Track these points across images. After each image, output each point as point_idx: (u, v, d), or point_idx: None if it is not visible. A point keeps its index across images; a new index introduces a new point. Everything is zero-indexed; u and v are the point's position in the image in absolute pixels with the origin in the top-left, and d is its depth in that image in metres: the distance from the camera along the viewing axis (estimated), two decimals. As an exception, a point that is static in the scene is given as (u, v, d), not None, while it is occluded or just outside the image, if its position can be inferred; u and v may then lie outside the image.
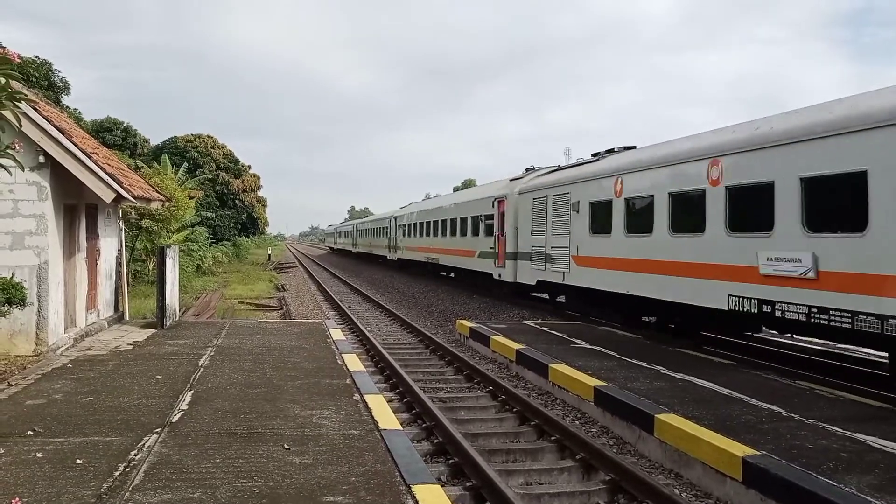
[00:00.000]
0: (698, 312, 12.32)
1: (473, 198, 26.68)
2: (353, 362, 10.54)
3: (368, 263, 54.35)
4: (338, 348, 11.77)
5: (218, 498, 5.10)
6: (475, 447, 7.55)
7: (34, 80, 32.97)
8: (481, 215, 24.64)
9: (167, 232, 26.35)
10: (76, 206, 12.38)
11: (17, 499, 4.79)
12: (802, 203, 9.87)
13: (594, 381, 9.52)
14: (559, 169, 20.06)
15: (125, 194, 11.82)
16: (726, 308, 11.24)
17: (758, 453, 6.38)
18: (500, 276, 22.40)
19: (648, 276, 13.55)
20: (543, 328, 15.24)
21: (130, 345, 11.77)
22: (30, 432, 6.60)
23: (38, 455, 5.95)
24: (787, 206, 10.11)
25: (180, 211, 26.63)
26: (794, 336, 13.69)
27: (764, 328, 12.90)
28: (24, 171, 10.38)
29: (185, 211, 27.62)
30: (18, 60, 5.52)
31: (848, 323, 9.02)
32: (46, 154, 10.68)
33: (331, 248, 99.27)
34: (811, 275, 9.60)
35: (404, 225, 40.23)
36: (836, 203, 9.59)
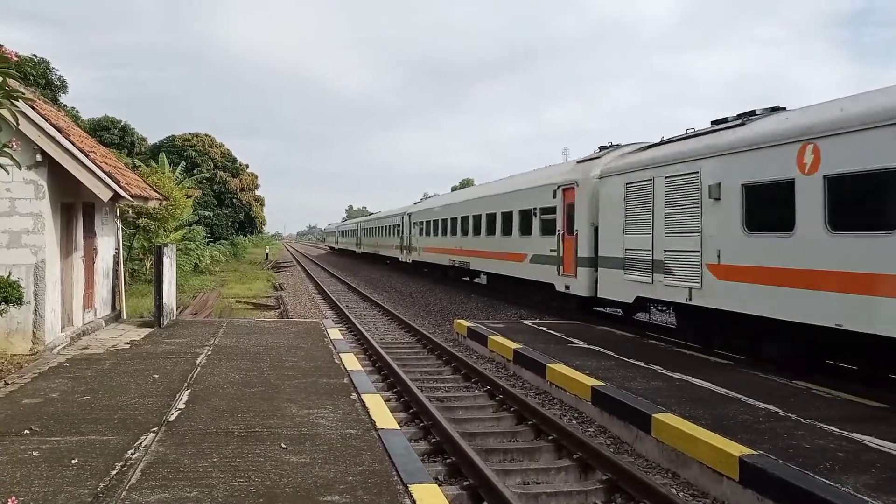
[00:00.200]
0: None
1: (523, 187, 20.99)
2: (351, 361, 10.53)
3: (372, 264, 54.10)
4: (335, 347, 11.77)
5: (215, 497, 5.09)
6: (472, 446, 7.55)
7: (31, 78, 32.92)
8: (535, 209, 19.43)
9: (164, 231, 26.33)
10: (73, 205, 12.35)
11: (14, 498, 4.78)
12: None
13: (592, 381, 9.52)
14: (663, 143, 14.24)
15: (122, 193, 11.80)
16: None
17: (755, 453, 6.39)
18: (567, 287, 17.13)
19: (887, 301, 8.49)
20: (541, 328, 15.24)
21: (127, 344, 11.75)
22: (26, 431, 6.58)
23: (35, 454, 5.94)
24: None
25: (178, 210, 26.60)
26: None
27: None
28: (21, 169, 10.33)
29: (182, 210, 27.59)
30: (16, 59, 5.50)
31: None
32: (44, 152, 10.66)
33: (331, 249, 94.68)
34: None
35: (421, 222, 35.17)
36: None
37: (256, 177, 71.49)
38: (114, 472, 5.54)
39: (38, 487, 5.19)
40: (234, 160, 67.40)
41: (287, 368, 9.90)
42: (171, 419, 7.13)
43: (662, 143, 14.29)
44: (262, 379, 9.16)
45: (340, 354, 11.08)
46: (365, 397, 8.24)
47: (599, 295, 15.71)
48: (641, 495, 6.42)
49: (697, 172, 12.18)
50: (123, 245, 18.14)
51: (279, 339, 12.68)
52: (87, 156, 11.05)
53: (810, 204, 9.66)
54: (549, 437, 8.25)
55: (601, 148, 17.52)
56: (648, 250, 13.47)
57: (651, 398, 8.55)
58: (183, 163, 43.27)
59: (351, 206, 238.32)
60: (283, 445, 6.33)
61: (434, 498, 5.27)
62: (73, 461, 5.78)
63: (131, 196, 12.78)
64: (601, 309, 18.07)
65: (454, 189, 71.99)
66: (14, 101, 5.59)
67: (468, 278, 30.04)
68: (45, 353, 10.60)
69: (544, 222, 18.81)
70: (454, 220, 28.63)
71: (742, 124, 11.72)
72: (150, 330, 13.40)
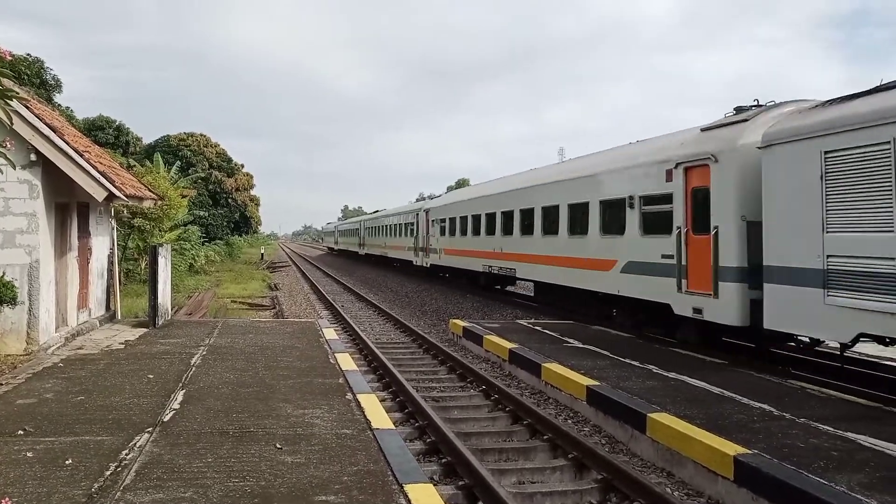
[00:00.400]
0: None
1: (608, 168, 15.40)
2: (346, 361, 10.53)
3: (373, 266, 53.96)
4: (330, 347, 11.76)
5: (210, 497, 5.08)
6: (468, 446, 7.55)
7: (26, 77, 32.84)
8: (630, 198, 13.95)
9: (159, 231, 26.26)
10: (68, 205, 12.32)
11: (7, 499, 4.76)
12: None
13: (587, 381, 9.53)
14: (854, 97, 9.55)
15: (117, 193, 11.78)
16: None
17: (749, 452, 6.40)
18: (698, 311, 11.83)
19: None
20: (536, 327, 15.25)
21: (122, 344, 11.73)
22: (20, 432, 6.56)
23: (29, 455, 5.92)
24: None
25: (173, 210, 26.56)
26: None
27: None
28: (15, 169, 10.34)
29: (177, 210, 27.54)
30: (10, 58, 5.49)
31: None
32: (38, 152, 10.64)
33: (330, 249, 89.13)
34: None
35: (443, 219, 29.81)
36: None
37: (252, 177, 71.47)
38: (108, 473, 5.52)
39: (32, 488, 5.17)
40: (230, 160, 67.36)
41: (282, 368, 9.89)
42: (165, 419, 7.12)
43: (854, 96, 9.56)
44: (257, 379, 9.15)
45: (336, 354, 11.07)
46: (360, 397, 8.23)
47: (771, 326, 10.17)
48: (636, 495, 6.43)
49: None
50: (118, 245, 18.09)
51: (274, 339, 12.66)
52: (81, 155, 11.03)
53: None
54: (545, 437, 8.26)
55: (738, 109, 12.19)
56: (891, 258, 8.41)
57: (646, 398, 8.56)
58: (178, 162, 43.12)
59: (347, 206, 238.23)
60: (279, 445, 6.32)
61: (429, 498, 5.27)
62: (67, 462, 5.77)
63: (126, 196, 12.75)
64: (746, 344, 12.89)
65: (450, 189, 70.33)
66: (8, 101, 5.58)
67: (499, 286, 26.30)
68: (40, 353, 10.57)
69: (647, 217, 13.53)
70: (491, 215, 23.21)
71: None
72: (145, 330, 13.37)
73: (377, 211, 55.64)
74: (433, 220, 31.70)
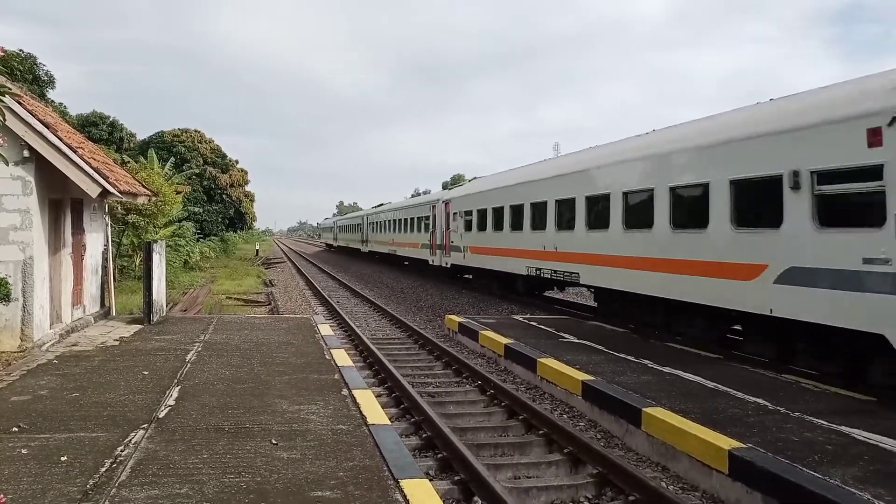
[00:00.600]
0: None
1: (747, 132, 10.87)
2: (342, 357, 10.52)
3: (372, 263, 53.83)
4: (326, 343, 11.75)
5: (205, 493, 5.08)
6: (463, 441, 7.56)
7: (18, 73, 32.68)
8: (796, 174, 9.68)
9: (154, 227, 26.20)
10: (61, 201, 12.27)
11: (2, 496, 4.74)
12: None
13: (582, 376, 9.55)
14: None
15: (111, 189, 11.73)
16: None
17: (744, 446, 6.43)
18: None
19: None
20: (532, 323, 15.27)
21: (117, 340, 11.70)
22: (14, 429, 6.54)
23: (23, 451, 5.91)
24: None
25: (167, 206, 26.47)
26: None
27: None
28: (8, 165, 10.30)
29: (171, 206, 27.46)
30: (2, 54, 5.46)
31: None
32: (31, 148, 10.58)
33: (328, 246, 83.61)
34: None
35: (470, 211, 24.60)
36: None
37: (246, 172, 71.29)
38: (103, 469, 5.51)
39: (27, 485, 5.16)
40: (224, 156, 67.18)
41: (277, 364, 9.88)
42: (160, 416, 7.11)
43: None
44: (252, 375, 9.14)
45: (331, 350, 11.07)
46: (356, 393, 8.23)
47: None
48: (631, 489, 6.45)
49: None
50: (112, 241, 18.04)
51: (269, 335, 12.64)
52: (75, 152, 10.98)
53: None
54: (540, 432, 8.28)
55: None
56: None
57: (641, 392, 8.58)
58: (172, 159, 43.08)
59: (342, 203, 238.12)
60: (274, 441, 6.32)
61: (425, 493, 5.28)
62: (62, 458, 5.75)
63: (120, 192, 12.71)
64: None
65: (445, 186, 67.80)
66: (0, 97, 5.55)
67: (539, 291, 22.03)
68: (34, 350, 10.53)
69: (828, 201, 9.33)
70: (539, 206, 18.42)
71: None
72: (140, 327, 13.34)
73: (381, 204, 50.21)
74: (455, 213, 26.43)
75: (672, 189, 12.55)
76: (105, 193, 11.74)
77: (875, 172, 8.51)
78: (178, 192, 29.76)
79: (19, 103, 10.49)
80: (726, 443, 6.51)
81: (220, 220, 64.67)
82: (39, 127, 10.52)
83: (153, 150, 38.88)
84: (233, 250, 59.16)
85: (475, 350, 13.87)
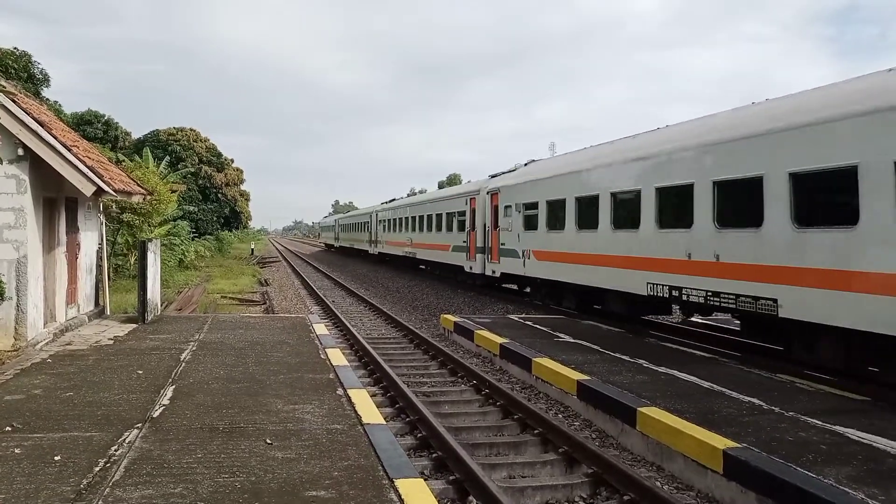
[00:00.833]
0: None
1: None
2: (337, 357, 10.51)
3: (368, 263, 53.62)
4: (321, 343, 11.74)
5: (199, 493, 5.07)
6: (458, 441, 7.55)
7: (13, 71, 32.52)
8: None
9: (149, 226, 26.10)
10: (56, 200, 12.23)
11: (-5, 495, 4.73)
12: None
13: (577, 375, 9.56)
14: None
15: (106, 188, 11.70)
16: None
17: (738, 446, 6.44)
18: None
19: None
20: (527, 322, 15.28)
21: (111, 339, 11.67)
22: (8, 428, 6.52)
23: (17, 451, 5.89)
24: None
25: (162, 205, 26.39)
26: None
27: None
28: (2, 163, 10.27)
29: (166, 205, 27.38)
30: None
31: None
32: (25, 147, 10.55)
33: (328, 246, 78.24)
34: None
35: (534, 204, 18.65)
36: None
37: (242, 171, 71.21)
38: (97, 469, 5.50)
39: (20, 484, 5.14)
40: (219, 155, 67.06)
41: (272, 364, 9.87)
42: (155, 415, 7.09)
43: None
44: (247, 374, 9.12)
45: (326, 350, 11.06)
46: (351, 392, 8.22)
47: None
48: (626, 488, 6.46)
49: None
50: (107, 240, 17.99)
51: (264, 334, 12.62)
52: (69, 150, 10.95)
53: None
54: (535, 432, 8.28)
55: None
56: None
57: (636, 392, 8.59)
58: (167, 157, 42.91)
59: (337, 202, 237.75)
60: (269, 441, 6.31)
61: (420, 492, 5.27)
62: (55, 458, 5.73)
63: (115, 191, 12.68)
64: None
65: (441, 186, 65.26)
66: (-6, 94, 5.53)
67: (647, 315, 16.00)
68: (28, 349, 10.50)
69: None
70: (681, 192, 12.36)
71: None
72: (134, 326, 13.31)
73: (393, 199, 44.38)
74: (508, 206, 20.53)
75: None
76: (100, 192, 11.70)
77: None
78: (173, 191, 29.67)
79: (14, 101, 10.47)
80: (721, 442, 6.52)
81: (215, 219, 64.58)
82: (34, 125, 10.49)
83: (148, 149, 38.78)
84: (228, 249, 59.02)
85: (471, 349, 13.87)
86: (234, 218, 71.13)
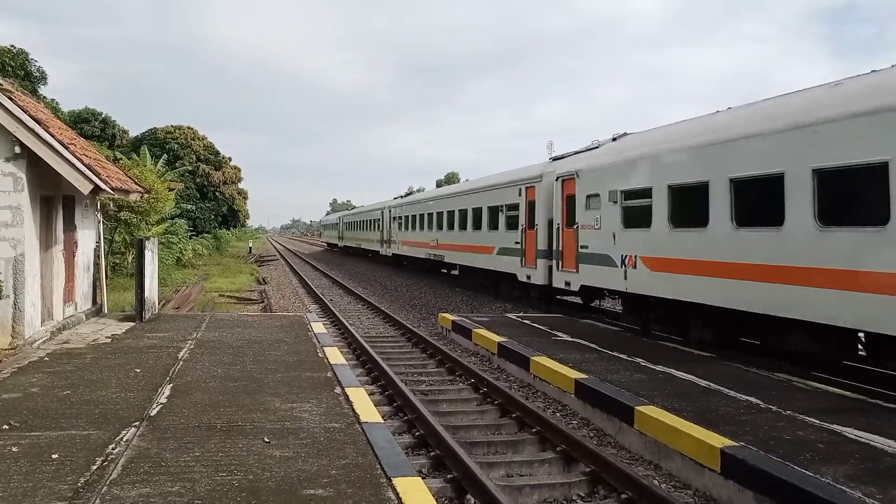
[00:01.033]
0: None
1: None
2: (335, 355, 10.50)
3: (363, 260, 53.49)
4: (319, 341, 11.73)
5: (197, 492, 5.06)
6: (456, 439, 7.55)
7: (10, 69, 32.46)
8: None
9: (146, 224, 26.07)
10: (53, 198, 12.21)
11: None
12: None
13: (575, 374, 9.56)
14: None
15: (103, 186, 11.67)
16: None
17: (736, 444, 6.44)
18: None
19: None
20: (525, 321, 15.28)
21: (109, 338, 11.65)
22: (5, 426, 6.51)
23: (14, 449, 5.87)
24: None
25: (160, 203, 26.37)
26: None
27: None
28: (-1, 161, 10.22)
29: (164, 203, 27.35)
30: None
31: None
32: (22, 144, 10.52)
33: (331, 246, 73.06)
34: None
35: (679, 189, 12.34)
36: None
37: (239, 170, 71.15)
38: (94, 467, 5.49)
39: (18, 483, 5.13)
40: (217, 153, 67.01)
41: (270, 362, 9.86)
42: (152, 413, 7.08)
43: None
44: (245, 373, 9.11)
45: (324, 348, 11.05)
46: (349, 391, 8.22)
47: None
48: (624, 487, 6.46)
49: None
50: (104, 238, 17.97)
51: (262, 333, 12.61)
52: (66, 148, 10.92)
53: None
54: (533, 430, 8.28)
55: None
56: None
57: (634, 391, 8.60)
58: (165, 155, 42.83)
59: (335, 200, 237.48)
60: (267, 439, 6.30)
61: (418, 491, 5.27)
62: (53, 456, 5.72)
63: (112, 189, 12.65)
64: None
65: (439, 184, 63.03)
66: (-9, 92, 5.52)
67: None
68: (25, 347, 10.48)
69: None
70: None
71: None
72: (132, 324, 13.29)
73: (410, 192, 39.22)
74: (593, 195, 15.26)
75: None
76: (97, 190, 11.67)
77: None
78: (170, 190, 29.65)
79: (11, 99, 10.44)
80: (718, 441, 6.52)
81: (212, 217, 64.51)
82: (31, 123, 10.46)
83: (146, 147, 38.71)
84: (225, 248, 59.00)
85: (469, 348, 13.87)
86: (231, 216, 71.07)
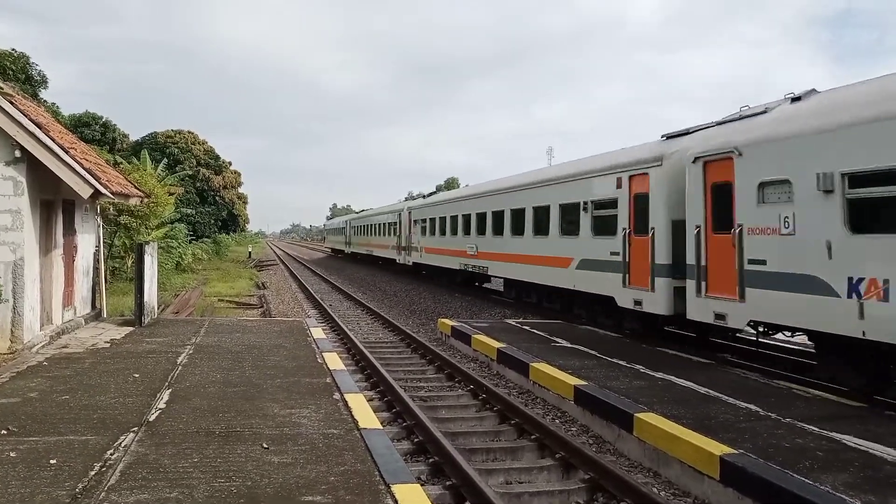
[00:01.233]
0: None
1: None
2: (334, 361, 10.49)
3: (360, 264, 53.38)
4: (318, 347, 11.72)
5: (195, 498, 5.05)
6: (455, 446, 7.54)
7: (10, 73, 32.51)
8: None
9: (146, 228, 26.07)
10: (53, 202, 12.21)
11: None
12: None
13: (574, 380, 9.55)
14: None
15: (103, 190, 11.68)
16: None
17: (735, 452, 6.43)
18: None
19: None
20: (525, 327, 15.27)
21: (108, 343, 11.63)
22: (3, 431, 6.50)
23: (12, 454, 5.86)
24: None
25: (159, 207, 26.35)
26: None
27: None
28: (-1, 165, 10.23)
29: (164, 207, 27.34)
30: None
31: None
32: (23, 148, 10.53)
33: (335, 252, 67.95)
34: None
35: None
36: None
37: (239, 174, 71.18)
38: (92, 473, 5.48)
39: (15, 489, 5.12)
40: (217, 157, 67.03)
41: (269, 368, 9.84)
42: (151, 419, 7.07)
43: None
44: (243, 378, 9.10)
45: (323, 354, 11.04)
46: (348, 397, 8.21)
47: None
48: (623, 494, 6.45)
49: None
50: (104, 243, 17.97)
51: (261, 338, 12.60)
52: (67, 152, 10.93)
53: None
54: (532, 437, 8.27)
55: None
56: None
57: (633, 397, 8.58)
58: (165, 160, 42.88)
59: (335, 204, 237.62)
60: (265, 445, 6.29)
61: (416, 498, 5.26)
62: (51, 461, 5.71)
63: (112, 193, 12.65)
64: None
65: (439, 189, 62.08)
66: (-8, 97, 5.52)
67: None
68: (24, 351, 10.47)
69: None
70: None
71: None
72: (131, 329, 13.27)
73: (433, 193, 34.65)
74: (766, 183, 10.05)
75: None
76: (97, 194, 11.68)
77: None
78: (170, 194, 29.63)
79: (11, 103, 10.46)
80: (718, 448, 6.51)
81: (212, 221, 64.50)
82: (31, 127, 10.47)
83: (146, 151, 38.77)
84: (225, 252, 58.96)
85: (468, 354, 13.86)
86: (231, 221, 71.07)
